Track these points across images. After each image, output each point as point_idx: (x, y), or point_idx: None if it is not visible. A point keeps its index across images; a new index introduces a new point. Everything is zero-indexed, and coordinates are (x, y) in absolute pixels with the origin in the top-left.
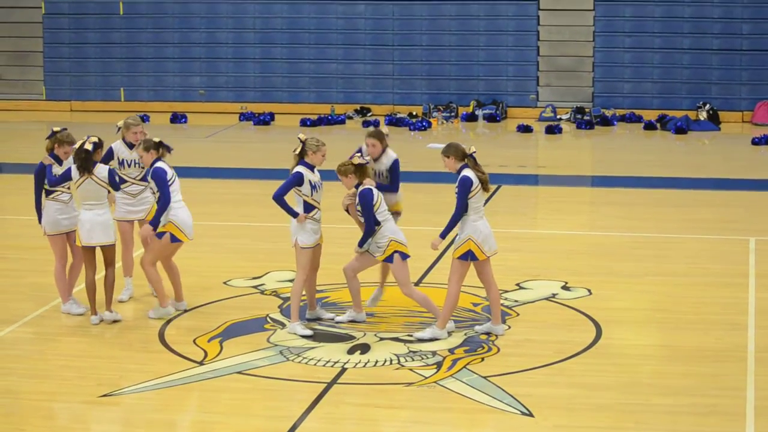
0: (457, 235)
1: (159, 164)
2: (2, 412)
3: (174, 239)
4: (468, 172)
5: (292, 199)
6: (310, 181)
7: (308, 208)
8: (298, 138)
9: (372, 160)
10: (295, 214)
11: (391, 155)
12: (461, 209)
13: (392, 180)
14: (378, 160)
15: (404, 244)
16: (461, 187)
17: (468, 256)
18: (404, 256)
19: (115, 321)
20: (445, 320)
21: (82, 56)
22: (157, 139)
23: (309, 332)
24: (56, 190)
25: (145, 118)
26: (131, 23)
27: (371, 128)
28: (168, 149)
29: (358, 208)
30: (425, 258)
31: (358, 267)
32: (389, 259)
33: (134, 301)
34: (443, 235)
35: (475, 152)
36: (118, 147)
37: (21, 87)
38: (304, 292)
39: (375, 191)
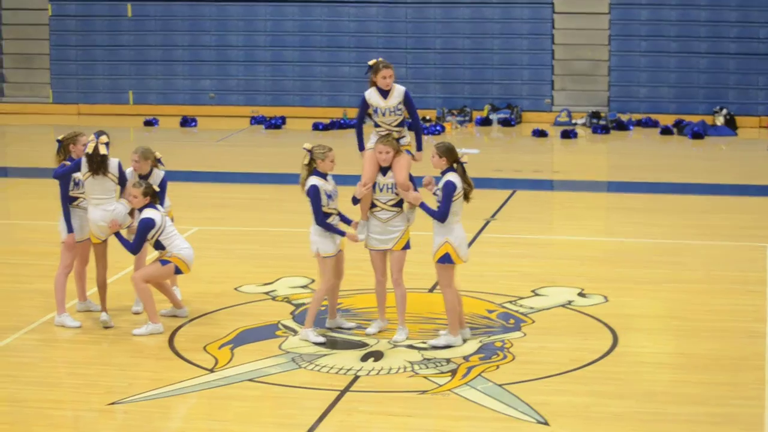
0: (433, 240)
1: (150, 213)
2: (8, 420)
3: (178, 271)
4: (453, 177)
5: (308, 207)
6: (325, 192)
7: (325, 215)
8: (304, 149)
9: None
10: (342, 233)
11: (400, 88)
12: (445, 214)
13: (411, 112)
14: (389, 94)
15: None
16: (446, 191)
17: (445, 259)
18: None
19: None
20: (455, 326)
21: (90, 59)
22: (157, 189)
23: (321, 339)
24: (78, 197)
25: (154, 122)
26: (140, 25)
27: (380, 60)
28: (160, 203)
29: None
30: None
31: (388, 268)
32: (405, 247)
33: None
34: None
35: (466, 162)
36: (130, 175)
37: (27, 90)
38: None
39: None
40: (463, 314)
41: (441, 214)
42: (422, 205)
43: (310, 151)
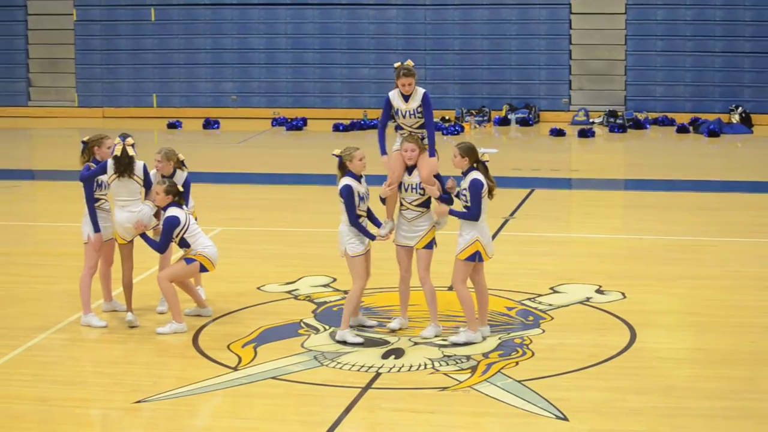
0: (460, 237)
1: (174, 212)
2: (35, 419)
3: (203, 269)
4: (478, 175)
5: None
6: (358, 193)
7: (356, 216)
8: (333, 155)
9: (403, 100)
10: (372, 237)
11: (420, 90)
12: (477, 213)
13: (426, 115)
14: (410, 98)
15: None
16: (474, 189)
17: (475, 257)
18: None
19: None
20: (473, 322)
21: (114, 63)
22: (181, 189)
23: (360, 340)
24: (100, 199)
25: (177, 124)
26: (163, 29)
27: (408, 63)
28: (185, 202)
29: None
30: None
31: (413, 265)
32: (429, 246)
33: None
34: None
35: (488, 161)
36: (153, 176)
37: (53, 94)
38: None
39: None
40: (486, 312)
41: (473, 214)
42: (452, 212)
43: (339, 156)
